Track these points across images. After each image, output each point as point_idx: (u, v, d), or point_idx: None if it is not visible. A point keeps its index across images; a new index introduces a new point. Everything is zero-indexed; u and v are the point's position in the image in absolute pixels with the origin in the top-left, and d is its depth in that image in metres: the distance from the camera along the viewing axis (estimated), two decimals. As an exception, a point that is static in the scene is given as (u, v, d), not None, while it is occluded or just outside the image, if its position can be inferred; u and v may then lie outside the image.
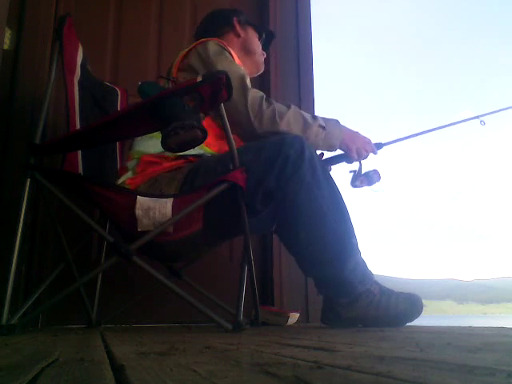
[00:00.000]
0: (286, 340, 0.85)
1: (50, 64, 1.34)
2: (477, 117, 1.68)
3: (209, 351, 0.64)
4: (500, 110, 1.73)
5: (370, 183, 1.56)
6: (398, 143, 1.62)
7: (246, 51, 1.67)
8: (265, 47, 1.77)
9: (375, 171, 1.56)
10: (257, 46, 1.71)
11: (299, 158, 1.24)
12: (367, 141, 1.52)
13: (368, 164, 1.56)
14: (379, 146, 1.58)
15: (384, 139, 1.66)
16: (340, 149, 1.48)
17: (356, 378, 0.39)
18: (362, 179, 1.54)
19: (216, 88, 1.09)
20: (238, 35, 1.68)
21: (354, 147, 1.49)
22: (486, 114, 1.69)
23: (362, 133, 1.51)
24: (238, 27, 1.69)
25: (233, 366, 0.47)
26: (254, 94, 1.37)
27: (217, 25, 1.69)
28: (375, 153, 1.55)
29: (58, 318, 1.73)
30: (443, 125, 1.68)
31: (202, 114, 1.16)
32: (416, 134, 1.65)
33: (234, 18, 1.69)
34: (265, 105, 1.35)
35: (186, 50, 1.48)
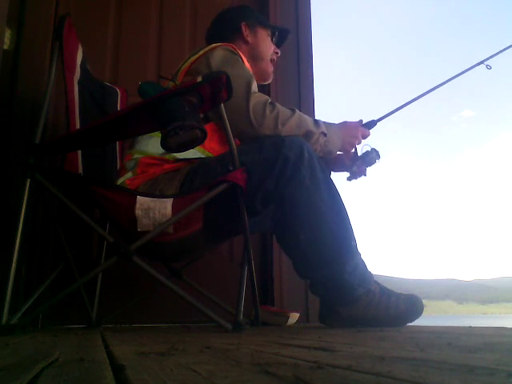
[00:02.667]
0: (286, 340, 0.85)
1: (50, 64, 1.34)
2: (481, 62, 1.67)
3: (209, 351, 0.64)
4: (502, 51, 1.69)
5: (370, 163, 1.54)
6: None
7: (254, 58, 1.60)
8: (278, 44, 1.70)
9: (372, 149, 1.54)
10: (267, 49, 1.63)
11: (298, 159, 1.24)
12: (356, 134, 1.50)
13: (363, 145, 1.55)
14: (372, 124, 1.56)
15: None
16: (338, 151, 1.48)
17: (356, 378, 0.39)
18: (358, 163, 1.54)
19: (216, 88, 1.09)
20: (246, 42, 1.61)
21: (351, 148, 1.50)
22: (489, 58, 1.67)
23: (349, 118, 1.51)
24: (245, 33, 1.62)
25: (233, 366, 0.47)
26: (258, 98, 1.35)
27: (224, 30, 1.63)
28: (367, 135, 1.54)
29: (57, 318, 1.73)
30: (447, 79, 1.64)
31: (202, 115, 1.16)
32: (412, 101, 1.61)
33: (242, 23, 1.62)
34: (268, 109, 1.33)
35: (196, 56, 1.44)
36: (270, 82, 1.72)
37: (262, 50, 1.63)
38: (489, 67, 1.67)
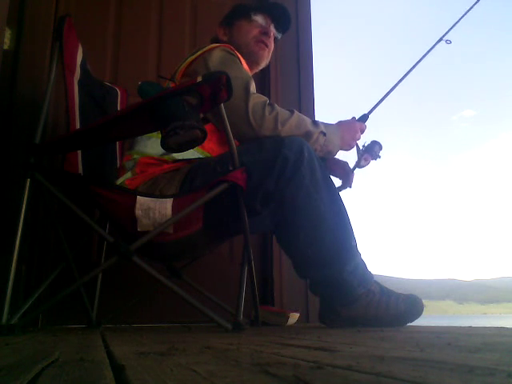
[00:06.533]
0: (286, 340, 0.85)
1: (50, 64, 1.34)
2: (440, 39, 1.69)
3: (209, 351, 0.64)
4: (458, 21, 1.72)
5: (374, 157, 1.56)
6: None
7: (237, 49, 1.53)
8: (277, 21, 1.64)
9: (374, 142, 1.56)
10: (245, 35, 1.59)
11: (298, 159, 1.24)
12: (356, 129, 1.51)
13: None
14: (365, 118, 1.57)
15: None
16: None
17: (356, 378, 0.39)
18: (365, 157, 1.54)
19: (216, 88, 1.09)
20: (224, 41, 1.59)
21: (354, 143, 1.50)
22: (447, 32, 1.70)
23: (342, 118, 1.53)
24: (220, 35, 1.63)
25: (233, 366, 0.47)
26: (257, 99, 1.34)
27: (210, 42, 1.65)
28: (364, 129, 1.55)
29: (58, 318, 1.73)
30: (414, 63, 1.67)
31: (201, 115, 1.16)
32: (393, 88, 1.63)
33: (217, 29, 1.65)
34: (267, 110, 1.33)
35: (194, 56, 1.45)
36: (264, 64, 1.65)
37: (238, 37, 1.60)
38: (448, 42, 1.69)
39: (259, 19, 1.62)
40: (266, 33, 1.61)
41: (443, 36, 1.70)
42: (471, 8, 1.75)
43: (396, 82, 1.64)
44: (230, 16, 1.66)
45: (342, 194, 1.37)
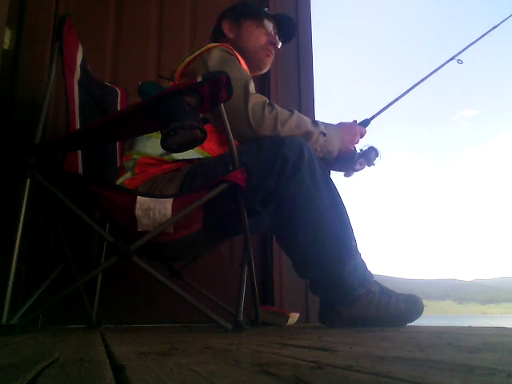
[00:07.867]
0: (286, 340, 0.85)
1: (50, 64, 1.34)
2: (452, 58, 1.69)
3: (209, 351, 0.64)
4: (471, 44, 1.72)
5: (369, 163, 1.56)
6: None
7: (240, 51, 1.52)
8: (283, 33, 1.65)
9: (371, 148, 1.55)
10: (253, 40, 1.58)
11: (298, 159, 1.24)
12: (356, 132, 1.51)
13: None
14: (366, 122, 1.57)
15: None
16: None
17: (356, 378, 0.39)
18: (360, 161, 1.54)
19: (215, 88, 1.09)
20: (228, 37, 1.58)
21: (352, 147, 1.50)
22: (460, 52, 1.70)
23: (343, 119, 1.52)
24: (226, 29, 1.60)
25: (233, 365, 0.47)
26: (256, 99, 1.34)
27: (213, 33, 1.64)
28: (364, 133, 1.56)
29: (58, 318, 1.73)
30: (423, 77, 1.67)
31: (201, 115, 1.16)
32: (399, 97, 1.63)
33: (223, 21, 1.61)
34: (267, 110, 1.32)
35: (192, 56, 1.44)
36: (265, 70, 1.65)
37: (246, 40, 1.58)
38: (460, 62, 1.69)
39: (269, 26, 1.61)
40: (273, 43, 1.62)
41: (455, 55, 1.69)
42: (489, 31, 1.75)
43: (402, 93, 1.64)
44: (239, 12, 1.63)
45: (341, 194, 1.36)
